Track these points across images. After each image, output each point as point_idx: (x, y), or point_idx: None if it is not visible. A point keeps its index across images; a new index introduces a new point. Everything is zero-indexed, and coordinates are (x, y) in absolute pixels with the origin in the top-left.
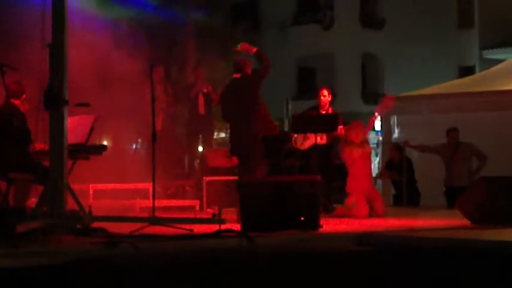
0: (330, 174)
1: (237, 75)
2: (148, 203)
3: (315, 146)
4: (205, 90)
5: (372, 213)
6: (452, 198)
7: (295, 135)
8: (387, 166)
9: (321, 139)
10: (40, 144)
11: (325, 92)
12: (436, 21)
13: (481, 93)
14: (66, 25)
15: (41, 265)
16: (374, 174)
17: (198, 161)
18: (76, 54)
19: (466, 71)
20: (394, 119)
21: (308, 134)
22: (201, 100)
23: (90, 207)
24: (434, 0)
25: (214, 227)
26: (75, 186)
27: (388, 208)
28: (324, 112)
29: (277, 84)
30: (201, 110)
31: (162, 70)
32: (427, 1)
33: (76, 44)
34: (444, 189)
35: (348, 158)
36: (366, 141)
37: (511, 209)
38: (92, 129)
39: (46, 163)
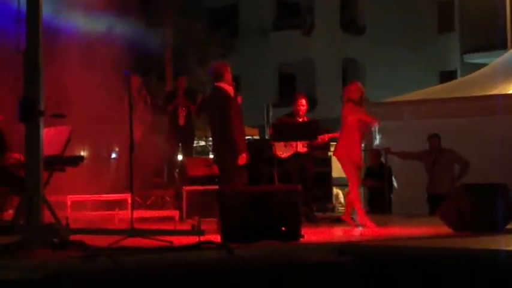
0: (309, 183)
1: (217, 84)
2: (127, 214)
3: (295, 154)
4: (184, 110)
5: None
6: (435, 205)
7: (275, 143)
8: (367, 173)
9: (302, 147)
10: (16, 154)
11: (304, 101)
12: (417, 26)
13: (462, 99)
14: (40, 33)
15: (18, 280)
16: None
17: (177, 170)
18: (52, 65)
19: (447, 75)
20: (375, 125)
21: (289, 142)
22: (181, 111)
23: (67, 219)
24: (415, 5)
25: (194, 239)
26: (52, 198)
27: (368, 216)
28: (300, 120)
29: (258, 91)
30: (181, 120)
31: (140, 79)
32: (407, 6)
33: (52, 54)
34: (426, 196)
35: (346, 116)
36: (364, 101)
37: (492, 216)
38: (68, 140)
39: (22, 173)
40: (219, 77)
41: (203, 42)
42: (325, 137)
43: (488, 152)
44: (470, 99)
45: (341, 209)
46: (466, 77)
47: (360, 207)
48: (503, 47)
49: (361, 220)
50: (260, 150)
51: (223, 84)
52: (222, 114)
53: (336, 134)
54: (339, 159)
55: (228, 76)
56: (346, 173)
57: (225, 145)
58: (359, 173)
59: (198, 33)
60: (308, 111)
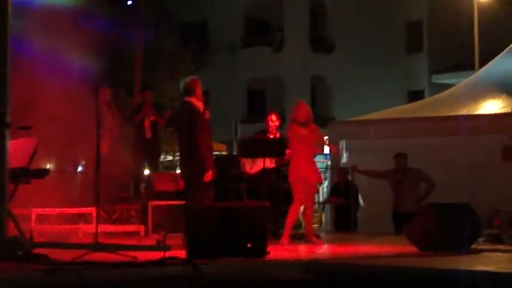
0: (278, 199)
1: (187, 99)
2: (92, 228)
3: (264, 170)
4: (152, 119)
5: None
6: (400, 224)
7: (244, 159)
8: (333, 190)
9: (270, 163)
10: None
11: (274, 117)
12: (386, 46)
13: (429, 119)
14: (8, 47)
15: None
16: (322, 199)
17: (144, 184)
18: (19, 76)
19: (415, 95)
20: (342, 144)
21: (256, 158)
22: (147, 124)
23: (31, 232)
24: (384, 25)
25: (160, 254)
26: (17, 211)
27: (334, 234)
28: (271, 136)
29: (227, 107)
30: (148, 133)
31: (110, 91)
32: (376, 25)
33: (20, 65)
34: (392, 215)
35: (292, 138)
36: (310, 121)
37: (458, 235)
38: (34, 153)
39: None
40: (190, 92)
41: (173, 57)
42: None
43: (454, 172)
44: (437, 120)
45: None
46: (434, 97)
47: (290, 225)
48: (471, 68)
49: (284, 238)
50: (228, 166)
51: (193, 99)
52: (190, 129)
53: None
54: (290, 183)
55: (199, 91)
56: (294, 193)
57: (192, 160)
58: (313, 191)
59: (169, 48)
60: (280, 127)
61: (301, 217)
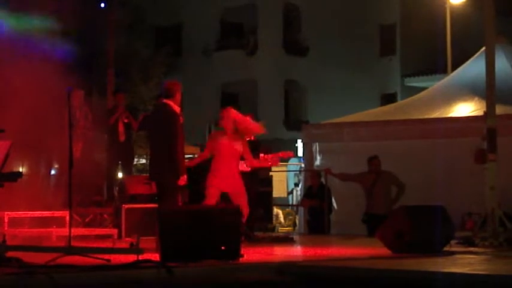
0: (252, 202)
1: (165, 101)
2: (65, 231)
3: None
4: (125, 120)
5: None
6: (373, 226)
7: None
8: (307, 193)
9: (246, 166)
10: None
11: None
12: (359, 49)
13: (402, 122)
14: None
15: None
16: (295, 202)
17: (117, 188)
18: None
19: (388, 98)
20: (316, 146)
21: None
22: (120, 127)
23: (4, 236)
24: (357, 28)
25: (133, 257)
26: None
27: (307, 236)
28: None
29: (200, 110)
30: (121, 136)
31: (82, 94)
32: (349, 29)
33: None
34: (365, 217)
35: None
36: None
37: (431, 237)
38: (7, 156)
39: None
40: (170, 95)
41: (147, 60)
42: (268, 157)
43: (428, 174)
44: (410, 122)
45: (281, 228)
46: (407, 100)
47: None
48: (443, 71)
49: None
50: (202, 169)
51: (171, 102)
52: (169, 131)
53: (280, 154)
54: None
55: (179, 96)
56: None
57: (167, 163)
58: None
59: (142, 51)
60: None
61: (274, 220)
